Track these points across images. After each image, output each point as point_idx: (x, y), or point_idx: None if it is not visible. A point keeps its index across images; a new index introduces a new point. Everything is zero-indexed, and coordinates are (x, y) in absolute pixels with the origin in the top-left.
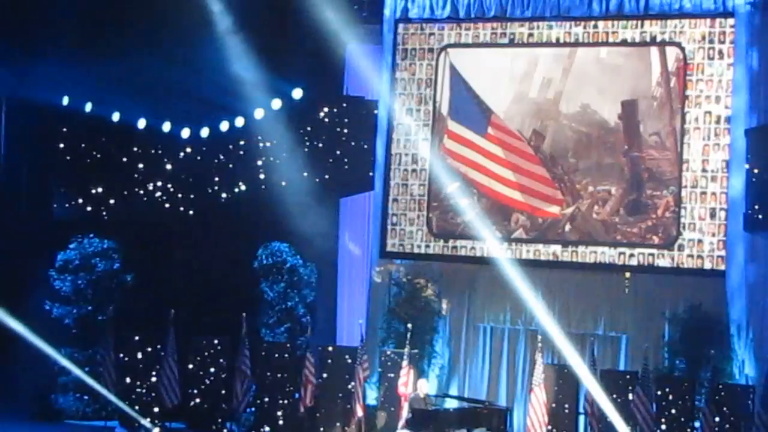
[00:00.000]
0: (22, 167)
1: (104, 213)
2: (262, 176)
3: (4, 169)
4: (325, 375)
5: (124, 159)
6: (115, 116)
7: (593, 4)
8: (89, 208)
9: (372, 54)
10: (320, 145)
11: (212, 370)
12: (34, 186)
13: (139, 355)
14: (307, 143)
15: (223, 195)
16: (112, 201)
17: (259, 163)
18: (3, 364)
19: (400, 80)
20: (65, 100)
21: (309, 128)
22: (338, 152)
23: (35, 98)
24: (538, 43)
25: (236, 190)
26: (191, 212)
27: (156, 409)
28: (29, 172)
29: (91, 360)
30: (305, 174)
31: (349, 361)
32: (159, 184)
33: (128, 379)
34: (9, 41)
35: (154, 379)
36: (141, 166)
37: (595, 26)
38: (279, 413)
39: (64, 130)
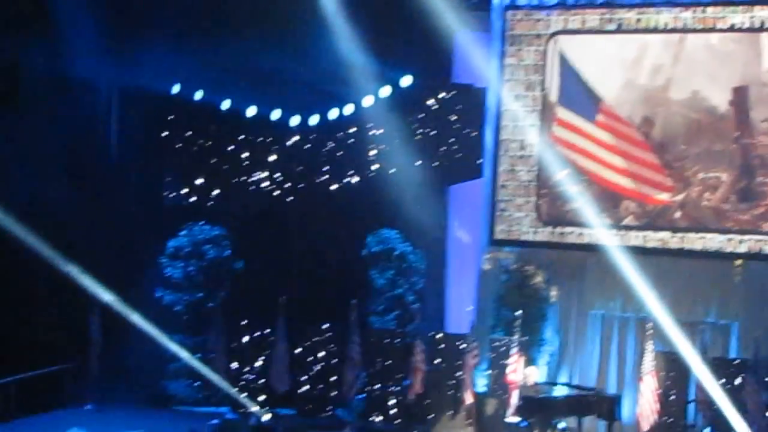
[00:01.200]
0: (133, 156)
1: (213, 201)
2: (371, 164)
3: (117, 158)
4: (434, 362)
5: (233, 147)
6: (225, 104)
7: None
8: (199, 196)
9: (480, 41)
10: (429, 132)
11: (322, 357)
12: (145, 174)
13: (249, 342)
14: (416, 131)
15: (333, 183)
16: (221, 189)
17: (369, 150)
18: (115, 350)
19: (507, 67)
20: (175, 88)
21: (418, 116)
22: (447, 140)
23: (146, 87)
24: (645, 29)
25: (347, 180)
26: (300, 200)
27: (266, 396)
28: (141, 160)
29: (202, 346)
30: (414, 161)
31: (459, 348)
32: (267, 172)
33: (238, 366)
34: (119, 30)
35: (264, 365)
36: (249, 154)
37: (704, 11)
38: (389, 400)
39: (174, 118)
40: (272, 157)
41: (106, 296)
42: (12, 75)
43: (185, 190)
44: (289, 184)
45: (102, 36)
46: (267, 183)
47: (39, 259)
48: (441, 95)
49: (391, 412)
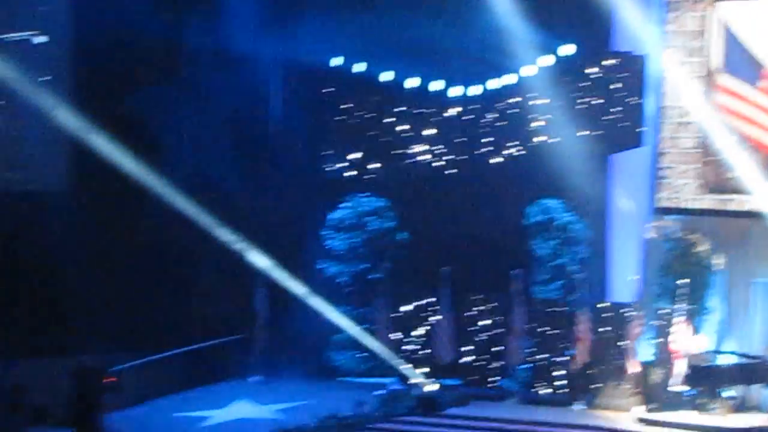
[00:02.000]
0: (295, 129)
1: (375, 173)
2: (532, 134)
3: (279, 132)
4: (598, 331)
5: (394, 119)
6: (385, 76)
7: None
8: (360, 168)
9: (640, 8)
10: (590, 101)
11: (486, 327)
12: (307, 147)
13: (413, 313)
14: (577, 100)
15: (494, 154)
16: (382, 161)
17: (530, 121)
18: (281, 322)
19: (668, 33)
20: (336, 61)
21: (578, 84)
22: (609, 108)
23: (307, 61)
24: None
25: (508, 151)
26: (461, 171)
27: (430, 367)
28: (302, 133)
29: (366, 318)
30: (576, 131)
31: (623, 317)
32: (428, 143)
33: (402, 337)
34: (278, 4)
35: (428, 336)
36: (410, 125)
37: None
38: (553, 370)
39: (334, 90)
40: (433, 129)
41: (271, 269)
42: (174, 51)
43: (346, 163)
44: (451, 155)
45: (262, 10)
46: (428, 154)
47: (205, 233)
48: (601, 64)
49: (556, 382)
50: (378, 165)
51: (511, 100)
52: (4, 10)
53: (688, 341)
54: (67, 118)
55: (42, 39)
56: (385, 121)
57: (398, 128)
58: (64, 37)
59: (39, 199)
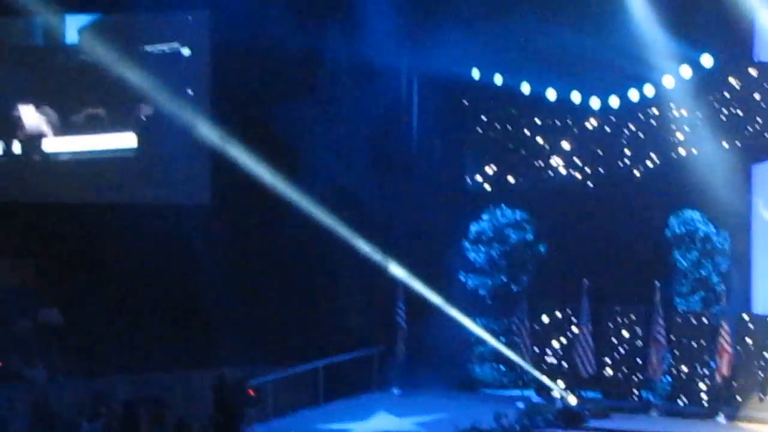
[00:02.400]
0: (434, 141)
1: (514, 185)
2: (673, 146)
3: (418, 144)
4: (741, 343)
5: (533, 131)
6: (525, 87)
7: None
8: (499, 181)
9: None
10: (732, 112)
11: (626, 339)
12: (447, 159)
13: (554, 326)
14: (719, 111)
15: (634, 166)
16: (521, 173)
17: (670, 131)
18: (421, 334)
19: None
20: (475, 73)
21: (719, 94)
22: (750, 118)
23: (445, 72)
24: None
25: (648, 162)
26: (601, 182)
27: (571, 379)
28: (441, 146)
29: (507, 330)
30: (716, 141)
31: (766, 329)
32: (567, 155)
33: (543, 349)
34: (416, 16)
35: (568, 348)
36: (549, 137)
37: None
38: (695, 382)
39: (474, 102)
40: (572, 140)
41: (411, 281)
42: (313, 63)
43: (486, 175)
44: (590, 166)
45: (400, 22)
46: (567, 166)
47: (345, 246)
48: (744, 73)
49: (698, 394)
50: (517, 177)
51: (650, 111)
52: (147, 26)
53: None
54: (209, 131)
55: (185, 52)
56: (524, 132)
57: (537, 140)
58: (205, 51)
59: (181, 213)
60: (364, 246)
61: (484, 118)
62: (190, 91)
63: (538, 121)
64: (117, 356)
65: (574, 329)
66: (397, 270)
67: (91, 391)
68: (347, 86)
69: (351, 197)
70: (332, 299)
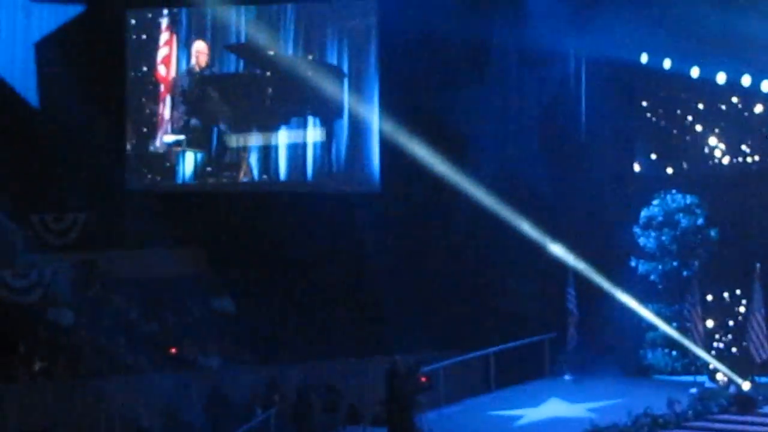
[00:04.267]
0: (603, 126)
1: (683, 169)
2: None
3: (587, 129)
4: None
5: (701, 115)
6: (694, 71)
7: None
8: (669, 165)
9: None
10: None
11: None
12: (616, 144)
13: (726, 311)
14: None
15: None
16: (691, 157)
17: None
18: (592, 320)
19: None
20: (643, 57)
21: None
22: None
23: (613, 57)
24: None
25: None
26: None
27: (744, 364)
28: (610, 130)
29: (678, 315)
30: None
31: None
32: (735, 140)
33: (715, 334)
34: (582, 1)
35: (741, 334)
36: (719, 121)
37: None
38: None
39: (643, 87)
40: (741, 125)
41: (582, 267)
42: (483, 51)
43: (655, 160)
44: (759, 150)
45: (567, 8)
46: (734, 151)
47: (515, 232)
48: None
49: None
50: (686, 162)
51: None
52: (317, 16)
53: None
54: (377, 119)
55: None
56: (693, 117)
57: (705, 124)
58: (372, 38)
59: (352, 201)
60: (534, 232)
61: (655, 103)
62: (356, 81)
63: (708, 106)
64: (290, 344)
65: (747, 314)
66: (567, 256)
67: (265, 379)
68: (515, 72)
69: (520, 183)
70: (503, 285)
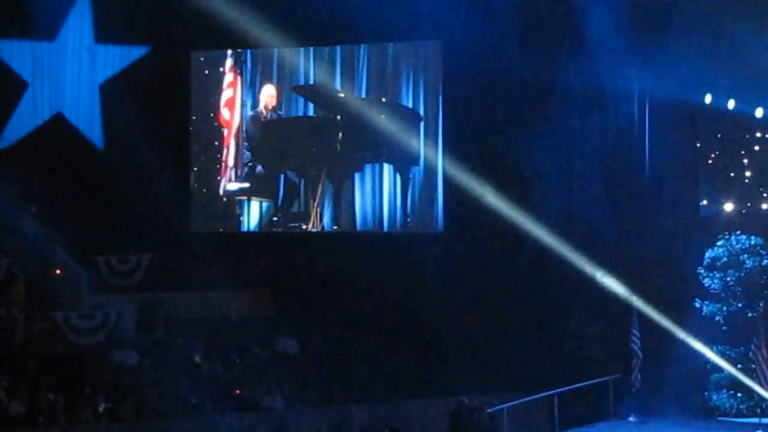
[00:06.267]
0: (667, 167)
1: (747, 211)
2: None
3: (650, 169)
4: None
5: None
6: (758, 112)
7: None
8: (735, 206)
9: None
10: None
11: None
12: (680, 185)
13: None
14: None
15: None
16: (754, 199)
17: None
18: (656, 361)
19: None
20: (707, 98)
21: None
22: None
23: (677, 97)
24: None
25: None
26: None
27: None
28: (674, 171)
29: (744, 357)
30: None
31: None
32: None
33: None
34: (646, 41)
35: None
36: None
37: None
38: None
39: (706, 127)
40: None
41: (646, 308)
42: (544, 90)
43: (720, 200)
44: None
45: (630, 47)
46: None
47: (579, 273)
48: None
49: None
50: (750, 202)
51: None
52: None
53: None
54: (441, 159)
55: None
56: (758, 157)
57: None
58: (437, 80)
59: (416, 241)
60: (598, 273)
61: (719, 143)
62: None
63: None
64: (354, 385)
65: None
66: (632, 297)
67: (329, 420)
68: (578, 112)
69: (585, 224)
70: (567, 326)
